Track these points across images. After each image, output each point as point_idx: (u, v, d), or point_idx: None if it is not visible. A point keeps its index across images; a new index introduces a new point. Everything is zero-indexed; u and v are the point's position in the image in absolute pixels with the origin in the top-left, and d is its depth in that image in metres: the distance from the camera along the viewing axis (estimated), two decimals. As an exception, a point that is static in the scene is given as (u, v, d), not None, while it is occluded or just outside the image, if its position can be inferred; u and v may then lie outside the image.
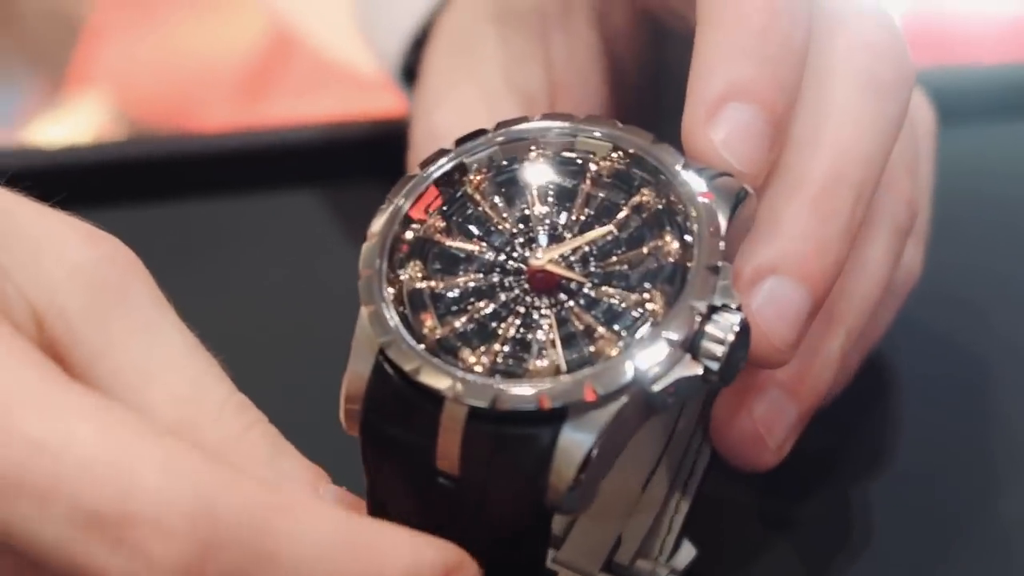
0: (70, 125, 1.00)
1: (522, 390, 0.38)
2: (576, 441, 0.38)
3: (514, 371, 0.39)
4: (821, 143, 0.43)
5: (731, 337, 0.39)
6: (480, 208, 0.42)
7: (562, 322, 0.40)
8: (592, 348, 0.39)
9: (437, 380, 0.38)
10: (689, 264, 0.40)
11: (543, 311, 0.40)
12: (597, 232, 0.41)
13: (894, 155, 0.46)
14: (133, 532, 0.34)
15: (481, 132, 0.43)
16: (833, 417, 0.49)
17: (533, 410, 0.38)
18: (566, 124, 0.42)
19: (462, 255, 0.41)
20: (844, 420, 0.51)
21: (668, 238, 0.41)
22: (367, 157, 0.59)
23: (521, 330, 0.39)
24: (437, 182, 0.42)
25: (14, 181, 0.41)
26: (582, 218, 0.41)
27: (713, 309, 0.39)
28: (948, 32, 0.93)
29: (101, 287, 0.38)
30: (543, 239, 0.41)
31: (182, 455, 0.35)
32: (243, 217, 0.61)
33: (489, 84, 0.51)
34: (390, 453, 0.39)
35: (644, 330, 0.39)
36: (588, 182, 0.42)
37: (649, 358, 0.38)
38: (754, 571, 0.47)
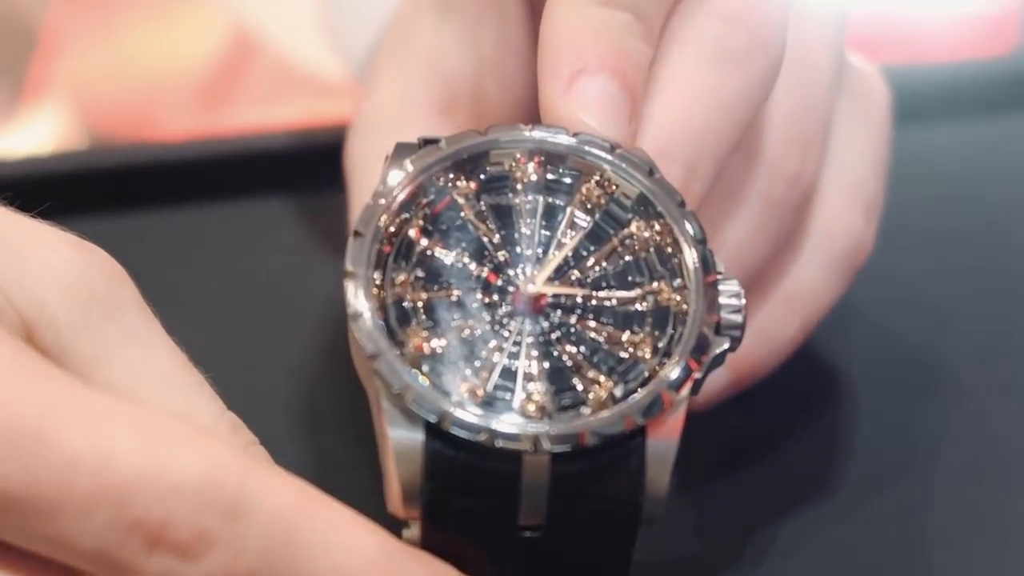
0: (30, 136, 0.99)
1: (603, 421, 0.38)
2: (664, 448, 0.38)
3: (573, 403, 0.38)
4: (650, 118, 0.43)
5: (744, 301, 0.40)
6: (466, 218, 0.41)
7: (579, 341, 0.39)
8: (624, 354, 0.39)
9: (514, 442, 0.37)
10: (677, 244, 0.40)
11: (551, 336, 0.39)
12: (569, 243, 0.41)
13: (779, 129, 0.47)
14: (171, 534, 0.34)
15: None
16: (787, 421, 0.50)
17: (620, 433, 0.38)
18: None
19: (446, 270, 0.40)
20: (797, 420, 0.52)
21: (635, 227, 0.41)
22: (336, 164, 0.60)
23: (546, 363, 0.39)
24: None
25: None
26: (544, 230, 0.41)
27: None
28: (907, 30, 0.94)
29: (90, 298, 0.38)
30: (527, 261, 0.40)
31: (223, 456, 0.35)
32: (209, 226, 0.61)
33: (410, 72, 0.51)
34: (463, 526, 0.38)
35: (672, 321, 0.39)
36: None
37: (697, 350, 0.39)
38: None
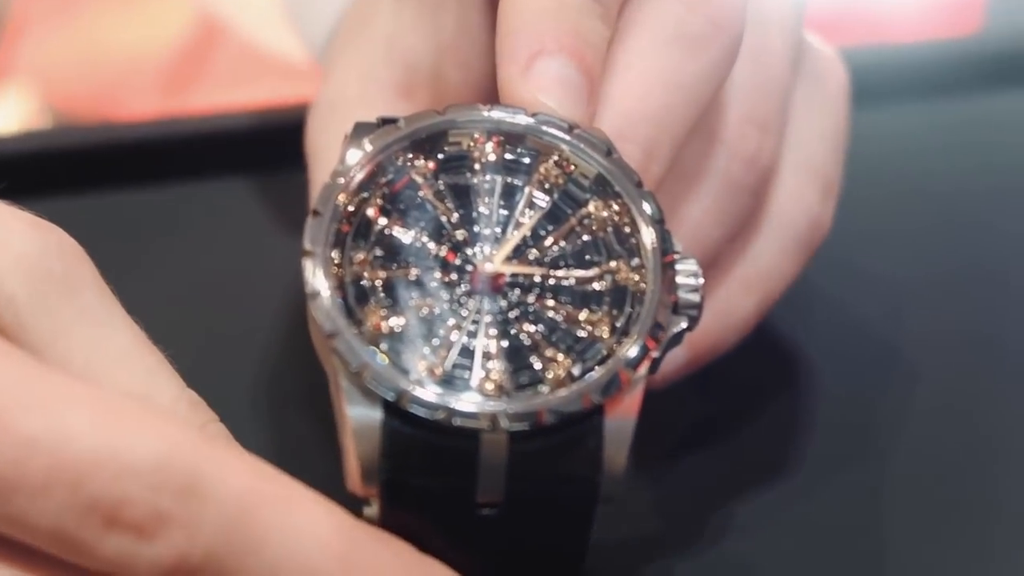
0: (-5, 118, 0.99)
1: (560, 399, 0.38)
2: (621, 427, 0.39)
3: (531, 381, 0.38)
4: (608, 100, 0.43)
5: (702, 281, 0.40)
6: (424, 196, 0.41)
7: (537, 320, 0.40)
8: (582, 333, 0.39)
9: (472, 420, 0.37)
10: (635, 224, 0.41)
11: (509, 315, 0.39)
12: (527, 223, 0.41)
13: (737, 110, 0.47)
14: (127, 514, 0.34)
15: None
16: (746, 399, 0.50)
17: (578, 412, 0.38)
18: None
19: (405, 248, 0.40)
20: (755, 399, 0.52)
21: (592, 207, 0.41)
22: (298, 144, 0.60)
23: (504, 341, 0.39)
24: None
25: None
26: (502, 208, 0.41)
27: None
28: (870, 11, 0.94)
29: (48, 277, 0.38)
30: (485, 240, 0.40)
31: (179, 437, 0.35)
32: (170, 206, 0.61)
33: (370, 54, 0.51)
34: (421, 504, 0.38)
35: (630, 300, 0.40)
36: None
37: (654, 329, 0.39)
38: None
